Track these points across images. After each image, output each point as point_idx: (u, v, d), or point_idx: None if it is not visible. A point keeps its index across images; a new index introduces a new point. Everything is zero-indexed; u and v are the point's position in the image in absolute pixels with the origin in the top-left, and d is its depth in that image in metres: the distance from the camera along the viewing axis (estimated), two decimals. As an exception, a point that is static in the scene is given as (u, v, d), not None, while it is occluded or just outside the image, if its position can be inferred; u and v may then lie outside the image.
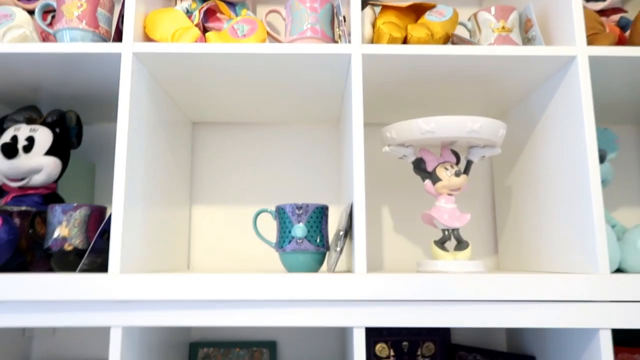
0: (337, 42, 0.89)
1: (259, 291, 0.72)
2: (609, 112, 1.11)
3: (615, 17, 0.99)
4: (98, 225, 0.85)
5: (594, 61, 0.81)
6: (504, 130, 0.87)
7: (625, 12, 1.00)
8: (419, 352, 1.08)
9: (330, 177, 1.16)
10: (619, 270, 0.86)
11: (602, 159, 0.94)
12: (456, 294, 0.72)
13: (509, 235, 1.08)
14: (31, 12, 0.93)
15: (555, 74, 0.87)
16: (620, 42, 0.94)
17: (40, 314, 0.73)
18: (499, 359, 1.00)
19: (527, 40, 0.91)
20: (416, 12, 0.89)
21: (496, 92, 0.98)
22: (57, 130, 0.96)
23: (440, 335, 1.09)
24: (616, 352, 1.05)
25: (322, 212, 0.84)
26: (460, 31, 0.97)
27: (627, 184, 1.19)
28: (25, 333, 1.11)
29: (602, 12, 0.99)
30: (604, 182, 0.97)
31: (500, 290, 0.73)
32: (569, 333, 0.82)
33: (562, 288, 0.73)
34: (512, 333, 1.09)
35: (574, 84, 0.81)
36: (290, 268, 0.84)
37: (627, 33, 0.93)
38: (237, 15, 0.95)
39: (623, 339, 1.04)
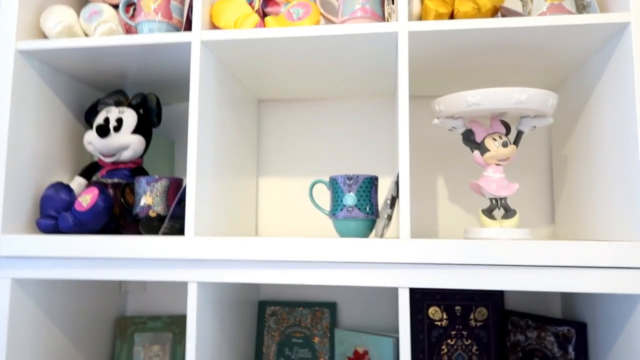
0: (387, 20, 0.93)
1: (312, 253, 0.81)
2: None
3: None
4: (176, 194, 0.97)
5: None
6: (554, 100, 0.88)
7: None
8: (471, 317, 1.13)
9: (387, 149, 1.22)
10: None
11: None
12: (494, 259, 0.77)
13: (565, 204, 1.09)
14: (116, 7, 1.06)
15: (609, 42, 0.86)
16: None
17: (131, 269, 0.87)
18: (550, 324, 1.02)
19: (582, 7, 0.90)
20: (464, -14, 0.90)
21: (551, 62, 0.97)
22: (141, 111, 1.09)
23: (494, 300, 1.13)
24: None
25: (371, 182, 0.91)
26: (512, 2, 0.97)
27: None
28: (121, 289, 1.29)
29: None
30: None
31: (540, 255, 0.76)
32: (617, 299, 0.83)
33: (603, 255, 0.74)
34: (567, 300, 1.10)
35: (627, 52, 0.80)
36: (342, 234, 0.92)
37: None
38: (294, -2, 1.02)
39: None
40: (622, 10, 0.81)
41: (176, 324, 1.25)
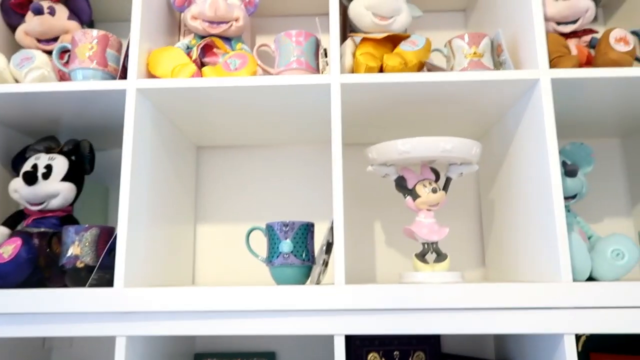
0: (321, 72, 0.97)
1: (247, 302, 0.80)
2: (592, 126, 1.17)
3: (587, 38, 1.04)
4: (107, 244, 0.94)
5: (562, 82, 0.87)
6: (477, 148, 0.93)
7: (596, 32, 1.05)
8: (410, 361, 1.13)
9: (323, 195, 1.23)
10: (590, 278, 0.91)
11: (574, 173, 0.99)
12: (427, 303, 0.79)
13: (493, 247, 1.14)
14: (49, 53, 1.04)
15: (523, 96, 0.93)
16: (589, 62, 0.99)
17: (55, 324, 0.82)
18: (485, 365, 1.05)
19: (499, 64, 0.98)
20: (393, 42, 0.96)
21: (474, 112, 1.04)
22: (73, 158, 1.06)
23: (431, 344, 1.14)
24: (595, 358, 1.10)
25: (307, 229, 0.92)
26: (437, 57, 1.04)
27: (612, 195, 1.23)
28: (45, 344, 1.20)
29: (575, 34, 1.04)
30: (578, 195, 1.02)
31: (469, 298, 0.79)
32: (542, 339, 0.87)
33: (525, 296, 0.78)
34: (499, 341, 1.13)
35: (538, 105, 0.87)
36: (279, 281, 0.91)
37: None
38: (232, 49, 1.05)
39: (603, 345, 1.08)
40: (532, 67, 0.89)
41: (106, 381, 1.17)
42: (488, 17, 1.16)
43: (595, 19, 1.31)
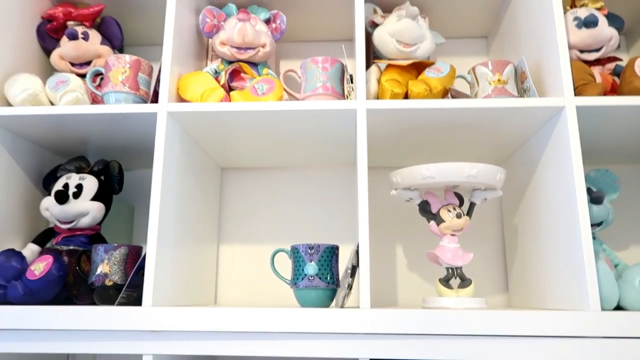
0: (346, 97, 0.99)
1: (272, 324, 0.80)
2: (617, 152, 1.16)
3: (611, 65, 1.05)
4: (135, 263, 0.96)
5: (587, 109, 0.88)
6: (502, 174, 0.94)
7: (620, 60, 1.06)
8: (432, 387, 1.12)
9: (347, 218, 1.24)
10: (618, 307, 0.90)
11: (599, 200, 0.99)
12: (452, 329, 0.78)
13: (517, 272, 1.13)
14: (82, 76, 1.08)
15: (547, 122, 0.94)
16: (614, 89, 1.00)
17: (83, 342, 0.83)
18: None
19: (522, 91, 0.98)
20: (417, 69, 0.98)
21: (497, 138, 1.05)
22: (102, 177, 1.09)
23: (454, 370, 1.13)
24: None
25: (332, 252, 0.93)
26: (461, 84, 1.05)
27: (639, 223, 1.22)
28: (69, 361, 1.22)
29: (599, 62, 1.05)
30: (604, 223, 1.01)
31: (495, 325, 0.78)
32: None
33: (553, 324, 0.77)
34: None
35: (564, 132, 0.87)
36: (303, 303, 0.92)
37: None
38: (259, 74, 1.07)
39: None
40: (557, 95, 0.89)
41: (126, 400, 1.18)
42: (510, 44, 1.17)
43: (618, 47, 1.32)
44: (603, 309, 0.81)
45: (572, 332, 0.77)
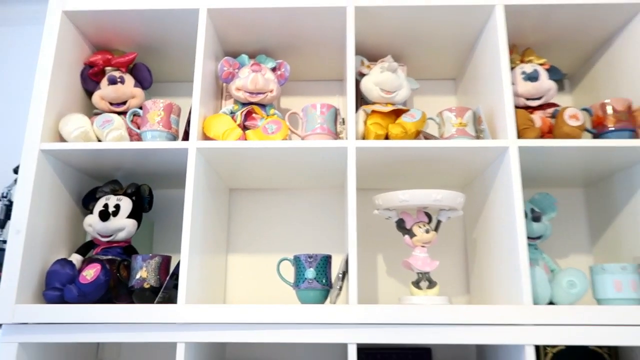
0: (339, 135, 1.23)
1: (279, 317, 1.03)
2: (559, 178, 1.41)
3: (550, 110, 1.30)
4: (166, 269, 1.18)
5: (527, 149, 1.13)
6: (461, 198, 1.18)
7: (558, 105, 1.31)
8: (407, 371, 1.36)
9: (337, 231, 1.48)
10: (551, 303, 1.14)
11: (538, 218, 1.24)
12: (421, 319, 1.02)
13: (476, 277, 1.38)
14: (119, 113, 1.30)
15: (497, 158, 1.19)
16: (551, 130, 1.25)
17: (131, 332, 1.05)
18: (469, 375, 1.27)
19: (479, 131, 1.23)
20: (396, 114, 1.23)
21: (459, 169, 1.30)
22: (134, 198, 1.31)
23: (424, 357, 1.37)
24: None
25: (327, 260, 1.16)
26: (431, 125, 1.30)
27: (576, 235, 1.48)
28: (97, 355, 1.42)
29: (541, 107, 1.31)
30: (543, 236, 1.26)
31: (454, 317, 1.02)
32: (509, 349, 1.10)
33: (496, 315, 1.02)
34: (480, 354, 1.36)
35: (508, 167, 1.12)
36: (303, 301, 1.15)
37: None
38: (267, 114, 1.30)
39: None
40: (504, 137, 1.14)
41: (149, 387, 1.39)
42: (472, 87, 1.43)
43: (563, 89, 1.59)
44: (535, 303, 1.05)
45: (510, 321, 1.02)
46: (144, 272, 1.15)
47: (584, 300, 1.17)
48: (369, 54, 1.38)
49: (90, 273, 1.13)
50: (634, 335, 1.02)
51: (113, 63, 1.33)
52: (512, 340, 1.01)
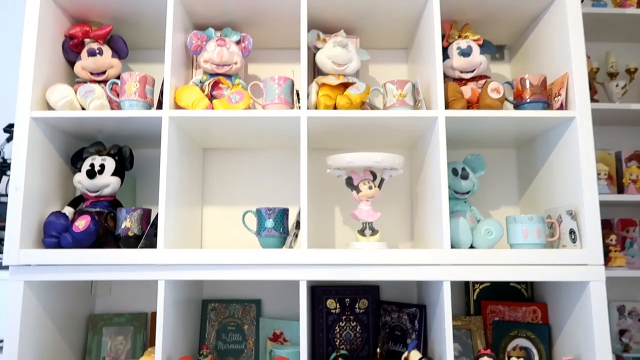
0: (293, 105, 1.41)
1: (244, 258, 1.25)
2: (492, 140, 1.62)
3: (482, 82, 1.48)
4: (147, 220, 1.38)
5: (454, 119, 1.32)
6: (400, 160, 1.38)
7: (488, 77, 1.50)
8: (357, 306, 1.60)
9: (297, 186, 1.68)
10: (472, 247, 1.37)
11: (466, 177, 1.45)
12: (362, 261, 1.25)
13: (417, 226, 1.60)
14: (99, 82, 1.45)
15: (430, 126, 1.38)
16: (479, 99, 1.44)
17: (119, 272, 1.26)
18: (405, 307, 1.52)
19: (417, 102, 1.42)
20: (344, 86, 1.40)
21: (400, 134, 1.50)
22: (117, 158, 1.48)
23: (372, 294, 1.61)
24: (486, 304, 1.59)
25: (283, 212, 1.37)
26: (376, 95, 1.48)
27: (508, 191, 1.70)
28: (92, 292, 1.64)
29: (473, 79, 1.49)
30: (471, 192, 1.48)
31: (389, 258, 1.25)
32: (434, 284, 1.34)
33: (422, 257, 1.25)
34: (419, 291, 1.61)
35: (438, 134, 1.32)
36: (264, 246, 1.37)
37: (483, 96, 1.43)
38: (232, 83, 1.47)
39: (490, 296, 1.58)
40: (435, 107, 1.33)
41: (136, 319, 1.62)
42: (419, 58, 1.59)
43: (503, 59, 1.77)
44: (457, 247, 1.28)
45: (433, 261, 1.25)
46: (128, 222, 1.35)
47: (501, 245, 1.41)
48: (325, 27, 1.53)
49: (82, 223, 1.32)
50: (533, 272, 1.26)
51: (91, 35, 1.47)
52: (433, 277, 1.25)
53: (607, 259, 1.75)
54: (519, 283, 1.63)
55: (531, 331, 1.48)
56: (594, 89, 1.89)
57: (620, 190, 1.87)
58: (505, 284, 1.62)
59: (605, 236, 1.77)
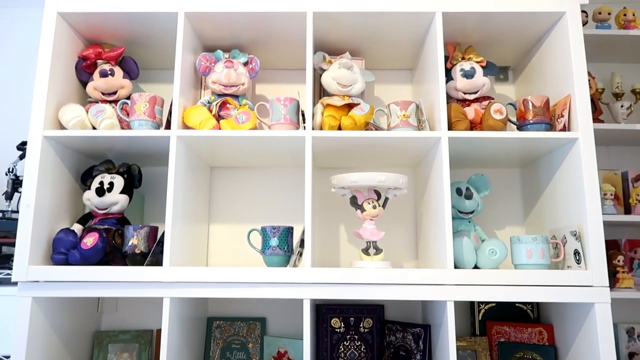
0: (299, 125, 1.43)
1: (248, 276, 1.26)
2: (497, 160, 1.63)
3: (485, 103, 1.50)
4: (154, 238, 1.40)
5: (457, 139, 1.33)
6: (403, 179, 1.40)
7: (492, 99, 1.51)
8: (361, 325, 1.60)
9: (301, 205, 1.69)
10: (476, 267, 1.37)
11: (470, 196, 1.46)
12: (366, 280, 1.25)
13: (422, 245, 1.61)
14: (110, 102, 1.49)
15: (433, 146, 1.40)
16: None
17: (125, 289, 1.28)
18: (410, 327, 1.52)
19: (421, 122, 1.44)
20: (349, 107, 1.42)
21: (405, 154, 1.51)
22: (125, 176, 1.51)
23: (377, 313, 1.61)
24: (492, 325, 1.58)
25: (288, 231, 1.39)
26: (380, 115, 1.50)
27: (513, 210, 1.70)
28: (98, 309, 1.66)
29: (477, 100, 1.51)
30: (474, 212, 1.49)
31: (392, 278, 1.25)
32: (438, 304, 1.34)
33: (426, 276, 1.25)
34: (424, 310, 1.61)
35: (442, 155, 1.33)
36: (269, 264, 1.38)
37: (487, 117, 1.44)
38: (240, 104, 1.50)
39: (496, 316, 1.57)
40: (438, 128, 1.35)
41: (142, 336, 1.63)
42: (423, 79, 1.62)
43: (507, 79, 1.79)
44: (461, 268, 1.29)
45: (436, 281, 1.25)
46: (135, 240, 1.37)
47: (505, 265, 1.41)
48: (331, 49, 1.57)
49: (90, 240, 1.35)
50: (537, 293, 1.26)
51: (104, 57, 1.51)
52: (436, 297, 1.25)
53: (615, 280, 1.73)
54: (524, 304, 1.62)
55: (537, 353, 1.47)
56: (599, 109, 1.89)
57: (627, 210, 1.86)
58: (511, 305, 1.62)
59: (612, 257, 1.75)
